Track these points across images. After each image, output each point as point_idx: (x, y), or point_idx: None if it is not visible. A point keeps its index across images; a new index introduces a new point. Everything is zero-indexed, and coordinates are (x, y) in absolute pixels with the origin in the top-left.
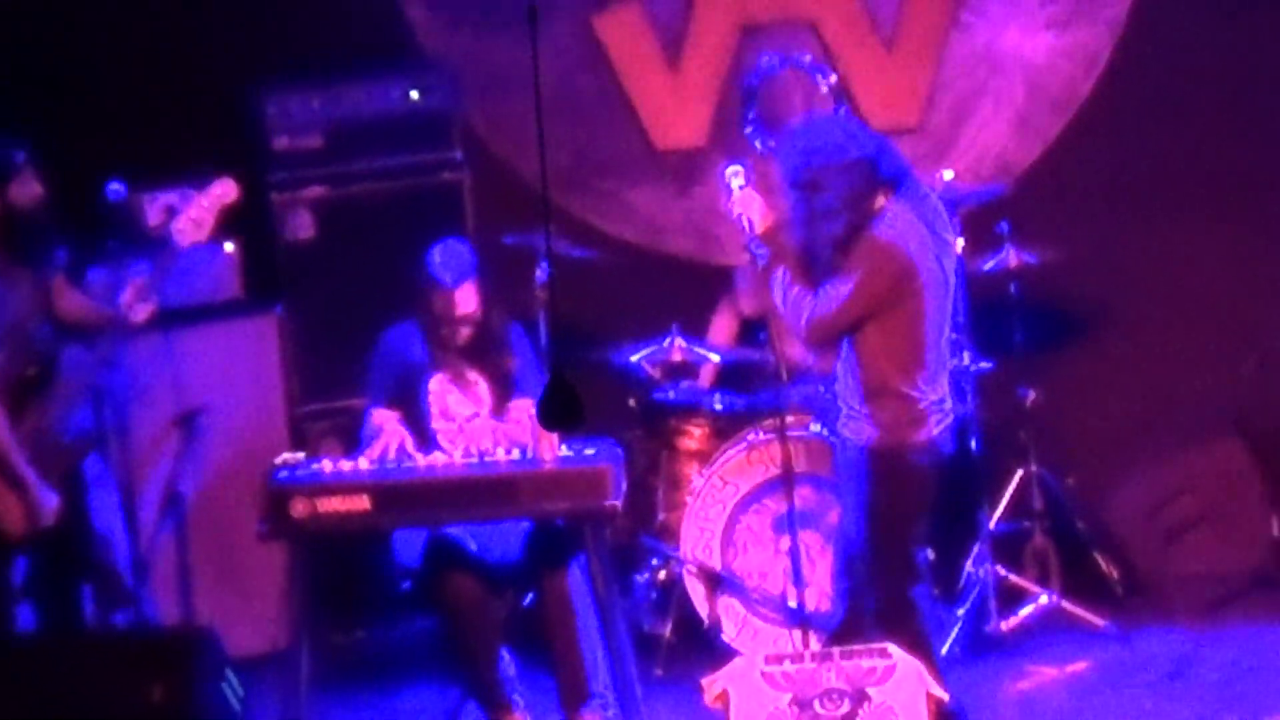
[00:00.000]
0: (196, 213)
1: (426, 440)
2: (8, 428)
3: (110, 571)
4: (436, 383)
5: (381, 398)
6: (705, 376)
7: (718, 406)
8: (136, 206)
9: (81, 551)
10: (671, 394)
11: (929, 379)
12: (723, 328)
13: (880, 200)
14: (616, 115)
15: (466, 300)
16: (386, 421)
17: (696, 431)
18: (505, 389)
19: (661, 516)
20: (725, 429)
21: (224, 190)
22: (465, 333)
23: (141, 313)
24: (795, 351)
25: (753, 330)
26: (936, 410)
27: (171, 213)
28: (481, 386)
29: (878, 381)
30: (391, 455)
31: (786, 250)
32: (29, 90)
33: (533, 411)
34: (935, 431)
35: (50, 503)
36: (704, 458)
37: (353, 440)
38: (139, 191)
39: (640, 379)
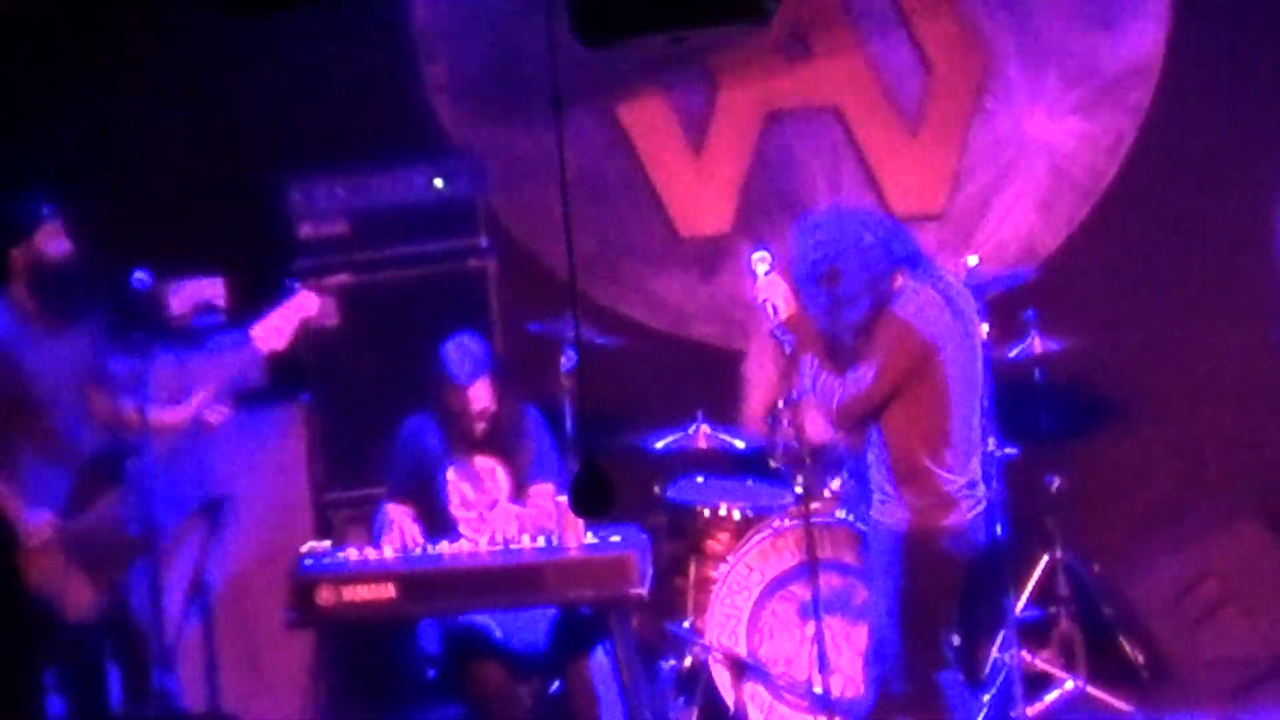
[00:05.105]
0: (279, 321)
1: (448, 529)
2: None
3: (143, 663)
4: (454, 472)
5: (398, 489)
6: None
7: (736, 516)
8: (161, 296)
9: (115, 640)
10: (694, 492)
11: (958, 458)
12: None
13: (898, 280)
14: (641, 202)
15: (480, 396)
16: (396, 514)
17: (724, 536)
18: (523, 475)
19: (690, 619)
20: (752, 523)
21: (306, 303)
22: (481, 425)
23: (216, 416)
24: (818, 434)
25: None
26: (968, 495)
27: (205, 303)
28: (499, 474)
29: (907, 462)
30: (398, 545)
31: (812, 336)
32: (52, 180)
33: (556, 496)
34: (967, 517)
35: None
36: None
37: None
38: (163, 281)
39: (665, 467)
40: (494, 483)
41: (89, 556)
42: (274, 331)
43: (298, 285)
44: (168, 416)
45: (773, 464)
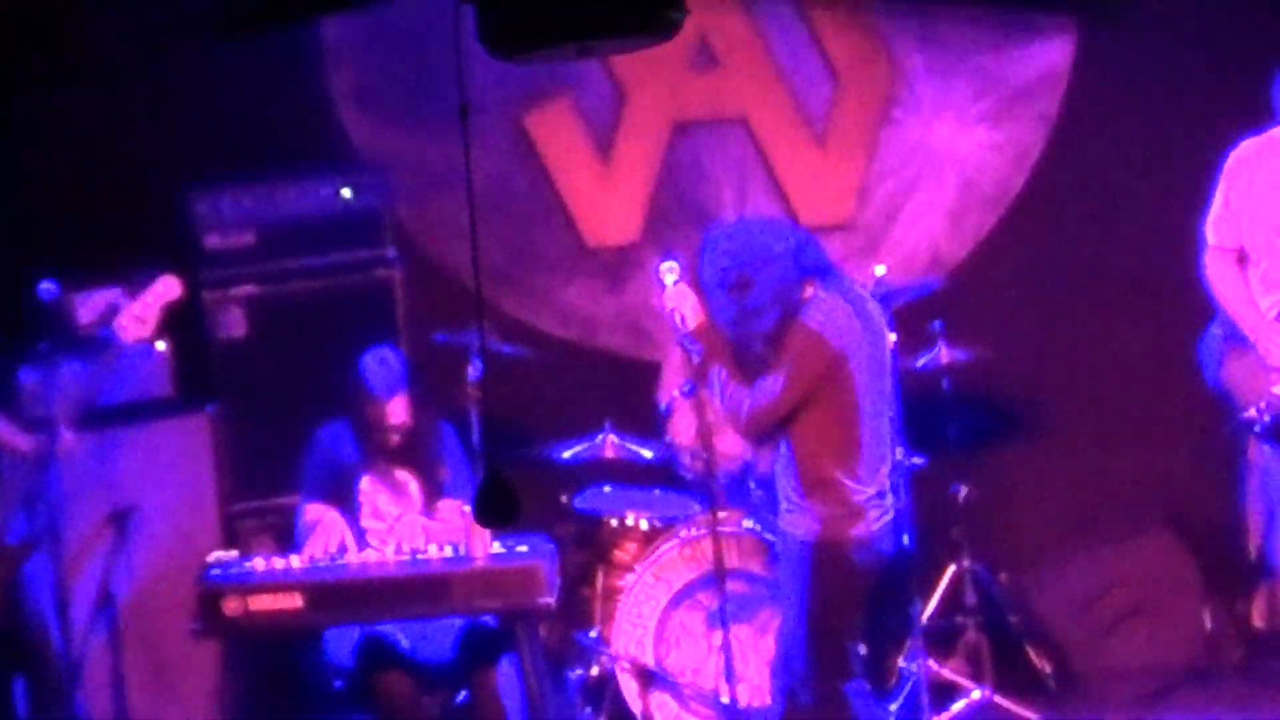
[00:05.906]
0: (140, 309)
1: (357, 538)
2: None
3: (45, 672)
4: (367, 483)
5: (315, 494)
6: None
7: (643, 526)
8: (68, 306)
9: (17, 653)
10: (602, 502)
11: (867, 468)
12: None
13: (807, 290)
14: (548, 212)
15: (398, 411)
16: (323, 515)
17: (631, 546)
18: (436, 490)
19: (597, 629)
20: (660, 533)
21: (167, 288)
22: (396, 438)
23: (63, 443)
24: (727, 445)
25: None
26: (876, 505)
27: (109, 311)
28: (412, 486)
29: (815, 472)
30: (333, 548)
31: (720, 346)
32: None
33: (464, 509)
34: (874, 527)
35: None
36: None
37: (286, 538)
38: (71, 291)
39: (572, 477)
40: (407, 496)
41: None
42: (136, 320)
43: None
44: (18, 441)
45: (666, 437)
